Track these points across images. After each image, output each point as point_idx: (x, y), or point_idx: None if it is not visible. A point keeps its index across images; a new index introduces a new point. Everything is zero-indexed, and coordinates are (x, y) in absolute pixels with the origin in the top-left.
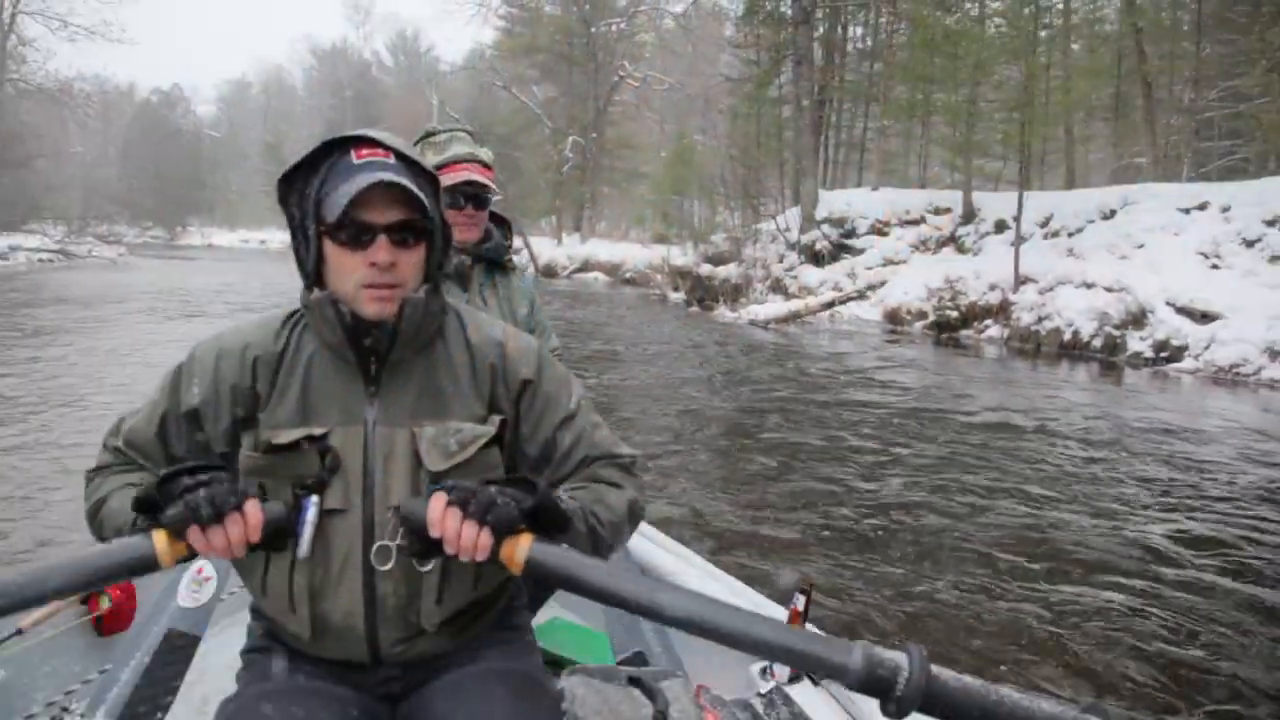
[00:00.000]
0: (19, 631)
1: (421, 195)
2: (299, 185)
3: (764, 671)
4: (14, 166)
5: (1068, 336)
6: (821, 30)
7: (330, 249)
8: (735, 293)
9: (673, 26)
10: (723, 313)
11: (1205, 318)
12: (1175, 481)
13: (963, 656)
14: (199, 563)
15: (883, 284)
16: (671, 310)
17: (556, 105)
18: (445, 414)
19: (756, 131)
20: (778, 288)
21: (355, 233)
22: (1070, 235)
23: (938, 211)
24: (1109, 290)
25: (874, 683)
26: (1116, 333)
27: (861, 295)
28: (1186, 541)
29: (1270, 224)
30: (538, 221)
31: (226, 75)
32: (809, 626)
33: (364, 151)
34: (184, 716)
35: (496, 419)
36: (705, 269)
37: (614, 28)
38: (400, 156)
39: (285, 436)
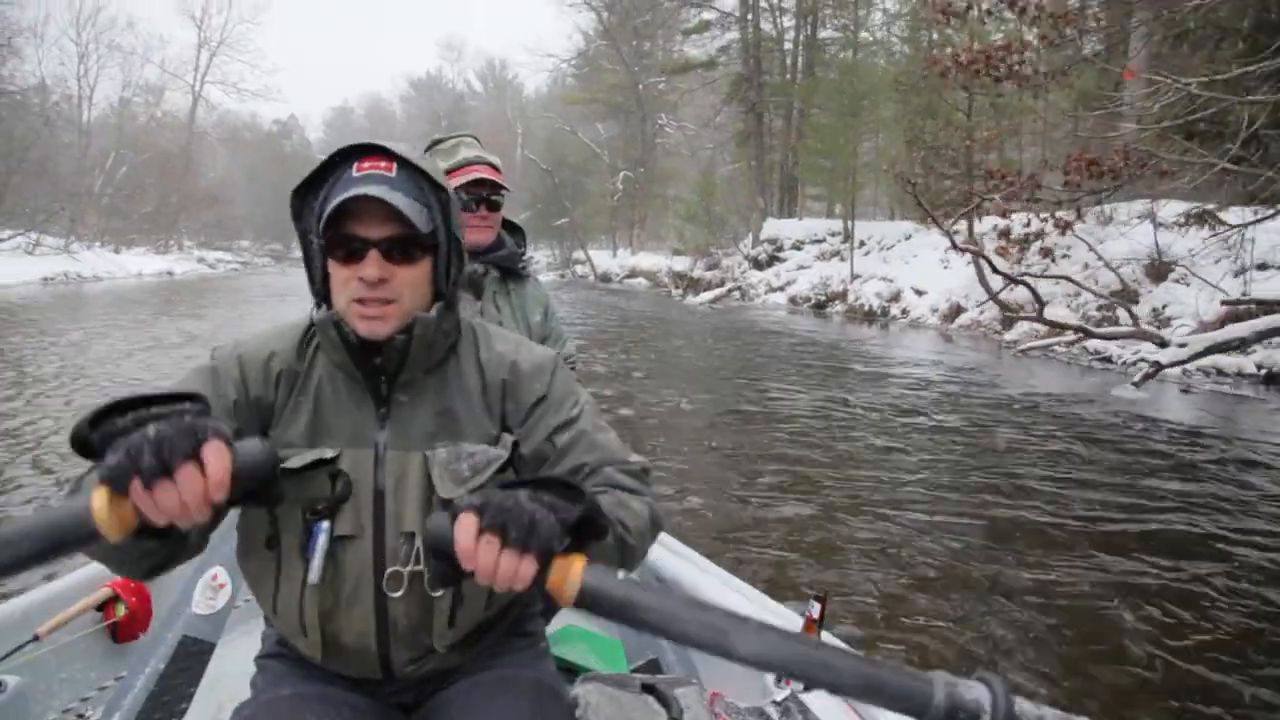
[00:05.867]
0: (35, 638)
1: (412, 212)
2: (310, 199)
3: (779, 679)
4: (225, 203)
5: (866, 308)
6: (798, 106)
7: (330, 264)
8: (709, 287)
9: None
10: (689, 299)
11: (920, 294)
12: (886, 368)
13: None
14: (213, 569)
15: (793, 281)
16: (666, 300)
17: (614, 144)
18: (458, 435)
19: (749, 174)
20: (740, 286)
21: (346, 247)
22: (888, 249)
23: (833, 234)
24: (889, 281)
25: None
26: (886, 305)
27: (740, 288)
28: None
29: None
30: (598, 236)
31: (333, 103)
32: (824, 635)
33: (366, 164)
34: None
35: (509, 439)
36: (697, 272)
37: (657, 86)
38: (405, 166)
39: (297, 460)
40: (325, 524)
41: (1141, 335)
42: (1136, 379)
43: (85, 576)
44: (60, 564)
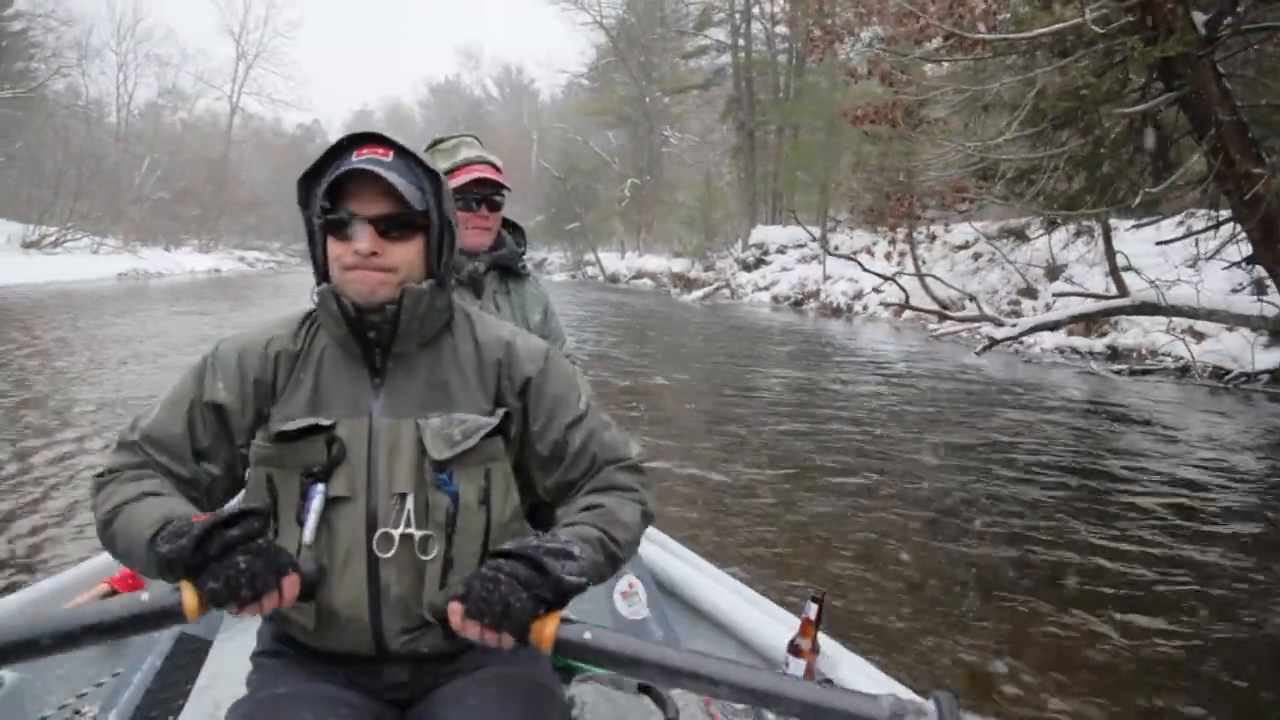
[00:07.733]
0: None
1: (405, 190)
2: (314, 186)
3: None
4: (262, 206)
5: (835, 305)
6: (787, 129)
7: (329, 241)
8: (701, 287)
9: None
10: (683, 297)
11: (879, 293)
12: (845, 352)
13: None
14: None
15: (776, 282)
16: (665, 297)
17: (623, 152)
18: (450, 407)
19: (738, 183)
20: (727, 284)
21: (342, 222)
22: (856, 254)
23: (813, 239)
24: (854, 281)
25: None
26: (851, 302)
27: (727, 286)
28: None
29: (919, 245)
30: (608, 240)
31: (354, 107)
32: (821, 636)
33: (364, 150)
34: None
35: (500, 412)
36: (694, 273)
37: (662, 100)
38: (402, 154)
39: (292, 424)
40: (320, 486)
41: (984, 318)
42: (978, 350)
43: (83, 573)
44: (59, 561)
